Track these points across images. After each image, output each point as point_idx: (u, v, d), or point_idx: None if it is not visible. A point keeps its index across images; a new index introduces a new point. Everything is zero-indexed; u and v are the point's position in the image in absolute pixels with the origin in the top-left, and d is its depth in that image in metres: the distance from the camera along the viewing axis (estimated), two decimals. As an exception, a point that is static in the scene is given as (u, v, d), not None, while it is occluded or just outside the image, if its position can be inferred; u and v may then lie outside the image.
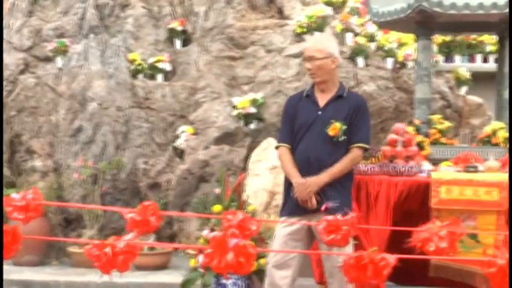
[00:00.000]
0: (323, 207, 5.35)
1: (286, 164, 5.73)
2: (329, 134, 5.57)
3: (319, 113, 5.70)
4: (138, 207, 3.28)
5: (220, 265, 2.59)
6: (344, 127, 5.57)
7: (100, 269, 2.59)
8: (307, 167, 5.62)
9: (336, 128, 5.57)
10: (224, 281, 6.82)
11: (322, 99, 5.76)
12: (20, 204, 3.08)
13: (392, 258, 2.75)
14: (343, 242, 3.41)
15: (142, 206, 3.27)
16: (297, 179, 5.58)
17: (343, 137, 5.58)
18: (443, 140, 8.01)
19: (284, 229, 5.69)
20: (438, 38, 11.83)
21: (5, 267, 8.66)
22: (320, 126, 5.64)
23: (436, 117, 8.19)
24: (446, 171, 6.69)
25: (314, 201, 5.46)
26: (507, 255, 2.59)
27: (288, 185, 5.77)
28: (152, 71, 10.80)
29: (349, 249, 5.40)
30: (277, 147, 5.91)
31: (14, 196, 3.14)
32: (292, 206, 5.60)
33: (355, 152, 5.68)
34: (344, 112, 5.66)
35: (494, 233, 6.13)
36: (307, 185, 5.50)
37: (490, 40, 12.09)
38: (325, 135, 5.60)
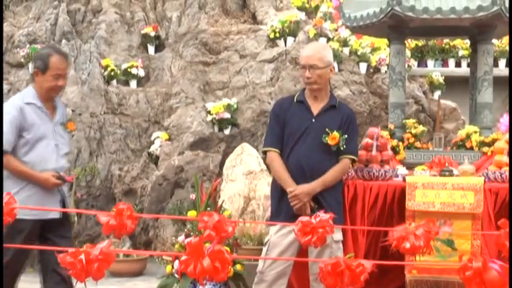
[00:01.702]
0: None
1: (280, 171, 5.73)
2: (325, 143, 5.62)
3: (313, 120, 5.72)
4: (113, 210, 3.26)
5: (196, 271, 2.58)
6: (344, 137, 5.63)
7: (75, 276, 2.57)
8: (300, 176, 5.65)
9: (335, 137, 5.62)
10: (200, 287, 6.79)
11: (315, 107, 5.79)
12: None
13: (369, 264, 2.75)
14: (319, 243, 3.42)
15: (117, 208, 3.26)
16: (291, 188, 5.61)
17: (344, 146, 5.65)
18: (417, 144, 8.02)
19: (282, 237, 5.69)
20: (411, 43, 11.88)
21: (-21, 275, 8.57)
22: (314, 135, 5.67)
23: (410, 121, 8.19)
24: (421, 175, 6.70)
25: (309, 210, 5.50)
26: (482, 260, 2.59)
27: (280, 191, 5.76)
28: (125, 77, 10.77)
29: (340, 254, 5.49)
30: (265, 152, 5.92)
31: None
32: (286, 213, 5.60)
33: (345, 163, 5.80)
34: (337, 122, 5.71)
35: (470, 238, 6.13)
36: (302, 196, 5.55)
37: (462, 44, 12.15)
38: (319, 144, 5.65)
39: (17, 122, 5.60)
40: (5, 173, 5.78)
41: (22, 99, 5.73)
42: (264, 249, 5.87)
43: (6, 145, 5.57)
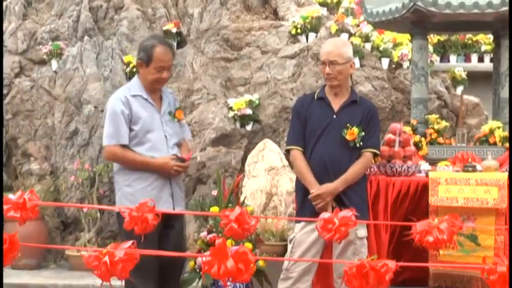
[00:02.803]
0: None
1: (303, 170, 5.72)
2: (346, 138, 5.60)
3: (334, 116, 5.71)
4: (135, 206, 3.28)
5: (219, 272, 2.58)
6: (362, 133, 5.60)
7: (99, 277, 2.57)
8: (323, 172, 5.64)
9: (353, 133, 5.61)
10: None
11: (335, 103, 5.77)
12: (17, 201, 3.07)
13: (393, 264, 2.74)
14: (342, 238, 3.42)
15: (139, 204, 3.27)
16: (314, 189, 5.59)
17: (360, 143, 5.62)
18: (440, 139, 7.99)
19: (307, 235, 5.69)
20: (433, 38, 11.81)
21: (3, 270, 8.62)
22: (335, 131, 5.65)
23: (433, 117, 8.17)
24: (444, 171, 6.67)
25: (331, 209, 5.47)
26: (507, 262, 2.58)
27: (304, 189, 5.75)
28: (148, 73, 10.77)
29: (364, 250, 5.50)
30: (288, 150, 5.90)
31: (10, 197, 3.12)
32: (310, 211, 5.58)
33: (367, 157, 5.76)
34: (358, 117, 5.70)
35: (494, 233, 6.10)
36: (325, 196, 5.53)
37: (485, 39, 12.07)
38: (340, 140, 5.63)
39: (124, 114, 5.61)
40: (115, 166, 5.85)
41: (128, 91, 5.74)
42: (289, 246, 5.88)
43: (118, 138, 5.61)
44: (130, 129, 5.62)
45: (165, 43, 5.85)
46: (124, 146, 5.63)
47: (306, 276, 5.75)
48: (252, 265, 2.57)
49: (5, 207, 3.08)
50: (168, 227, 5.68)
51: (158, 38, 6.12)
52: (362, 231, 5.72)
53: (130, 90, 5.75)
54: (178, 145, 5.84)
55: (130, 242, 2.61)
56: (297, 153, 5.76)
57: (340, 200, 5.57)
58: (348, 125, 5.65)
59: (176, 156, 5.62)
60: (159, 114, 5.72)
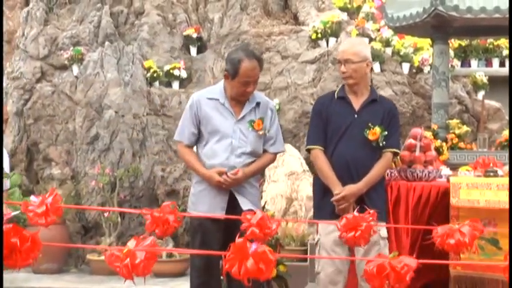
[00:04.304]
0: None
1: (325, 170, 5.64)
2: (369, 138, 5.57)
3: (356, 116, 5.67)
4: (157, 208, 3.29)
5: (240, 272, 2.57)
6: (385, 132, 5.57)
7: (122, 274, 2.57)
8: (345, 172, 5.58)
9: (376, 132, 5.56)
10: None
11: (356, 102, 5.72)
12: (40, 210, 3.07)
13: (413, 262, 2.73)
14: (362, 240, 3.40)
15: (161, 206, 3.28)
16: (337, 189, 5.53)
17: (383, 142, 5.59)
18: (461, 144, 7.97)
19: (328, 237, 5.64)
20: (454, 43, 11.79)
21: (25, 275, 8.70)
22: (357, 130, 5.60)
23: (454, 121, 8.15)
24: (466, 176, 6.63)
25: (352, 211, 5.42)
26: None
27: (322, 189, 5.71)
28: (168, 78, 10.82)
29: (387, 249, 5.46)
30: (309, 150, 5.86)
31: (33, 199, 3.12)
32: (329, 211, 5.55)
33: (388, 157, 5.69)
34: (379, 116, 5.64)
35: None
36: (349, 198, 5.49)
37: (506, 44, 12.03)
38: (362, 139, 5.58)
39: (191, 114, 5.62)
40: None
41: (205, 94, 5.74)
42: (316, 249, 5.85)
43: (181, 136, 5.66)
44: (201, 130, 5.61)
45: (252, 56, 5.68)
46: (188, 146, 5.67)
47: (338, 277, 5.69)
48: (272, 265, 2.56)
49: (29, 214, 3.09)
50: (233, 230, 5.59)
51: (246, 51, 5.92)
52: (384, 231, 5.69)
53: (208, 92, 5.74)
54: (254, 155, 5.67)
55: (151, 238, 2.61)
56: (318, 152, 5.70)
57: (361, 200, 5.52)
58: (370, 124, 5.60)
59: (223, 171, 5.51)
60: (234, 121, 5.61)
